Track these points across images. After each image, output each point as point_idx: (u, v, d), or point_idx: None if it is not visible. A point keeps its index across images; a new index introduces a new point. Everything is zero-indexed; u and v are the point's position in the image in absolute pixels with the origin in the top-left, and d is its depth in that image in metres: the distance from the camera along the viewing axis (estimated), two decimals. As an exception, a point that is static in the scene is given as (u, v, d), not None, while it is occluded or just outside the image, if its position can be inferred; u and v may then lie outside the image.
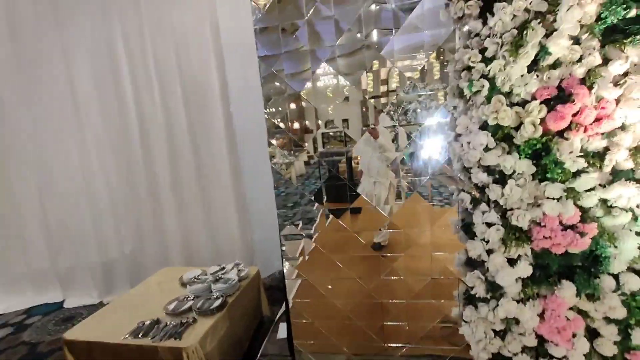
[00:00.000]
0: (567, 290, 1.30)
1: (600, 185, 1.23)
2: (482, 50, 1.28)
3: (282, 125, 1.82)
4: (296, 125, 1.82)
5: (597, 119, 1.17)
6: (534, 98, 1.25)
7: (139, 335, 1.96)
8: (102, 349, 1.96)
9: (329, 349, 1.93)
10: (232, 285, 2.37)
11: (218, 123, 3.21)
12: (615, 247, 1.24)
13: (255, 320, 2.59)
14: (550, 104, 1.21)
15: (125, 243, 3.43)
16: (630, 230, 1.24)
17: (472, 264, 1.65)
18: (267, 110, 1.72)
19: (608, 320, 1.32)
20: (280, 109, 1.75)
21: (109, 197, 3.37)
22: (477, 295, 1.45)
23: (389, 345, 1.86)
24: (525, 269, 1.32)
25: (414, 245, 1.76)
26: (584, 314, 1.34)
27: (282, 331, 2.22)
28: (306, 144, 1.82)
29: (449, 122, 1.57)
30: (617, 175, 1.21)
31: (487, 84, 1.24)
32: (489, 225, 1.36)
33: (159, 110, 3.22)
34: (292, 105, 1.75)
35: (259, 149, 3.12)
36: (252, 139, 3.15)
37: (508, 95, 1.26)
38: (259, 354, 2.10)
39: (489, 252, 1.38)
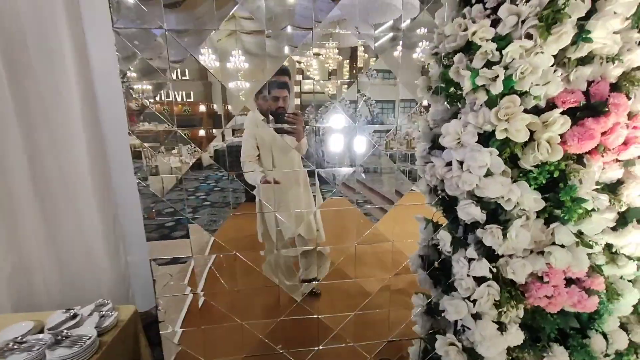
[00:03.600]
0: (560, 358, 1.00)
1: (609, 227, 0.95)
2: (492, 24, 0.84)
3: (160, 107, 1.08)
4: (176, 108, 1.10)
5: (624, 142, 0.87)
6: (551, 105, 0.87)
7: None
8: None
9: None
10: (86, 348, 1.54)
11: (71, 96, 2.13)
12: (613, 303, 1.00)
13: (128, 388, 1.80)
14: (574, 115, 0.85)
15: None
16: (627, 281, 1.01)
17: (433, 313, 1.28)
18: (125, 78, 0.96)
19: (590, 384, 1.09)
20: (151, 81, 1.00)
21: None
22: (449, 368, 1.06)
23: None
24: (516, 336, 0.98)
25: (365, 295, 1.27)
26: (564, 377, 1.09)
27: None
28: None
29: (421, 128, 1.12)
30: (629, 214, 0.94)
31: (502, 75, 0.80)
32: (477, 279, 0.96)
33: None
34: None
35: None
36: (122, 123, 2.19)
37: (522, 97, 0.85)
38: None
39: (475, 315, 0.99)
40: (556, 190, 0.88)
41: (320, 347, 1.27)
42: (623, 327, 1.07)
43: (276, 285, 1.17)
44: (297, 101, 1.32)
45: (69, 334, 1.62)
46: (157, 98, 1.04)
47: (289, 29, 1.12)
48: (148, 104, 1.01)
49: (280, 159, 1.19)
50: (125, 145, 2.22)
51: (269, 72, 1.10)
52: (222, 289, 1.16)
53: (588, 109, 0.84)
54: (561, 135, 0.86)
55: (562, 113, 0.85)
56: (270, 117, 1.17)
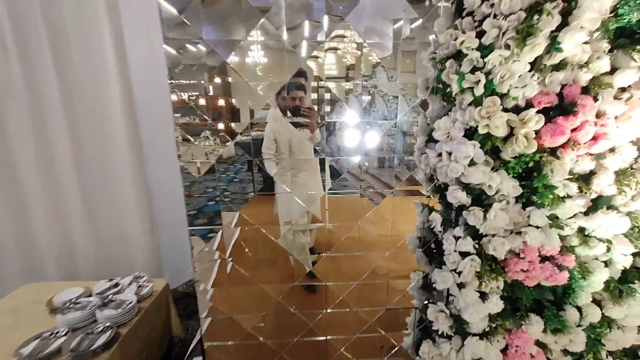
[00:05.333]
0: (535, 326, 1.16)
1: (581, 212, 1.08)
2: (478, 35, 0.99)
3: (200, 103, 1.28)
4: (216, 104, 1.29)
5: (594, 137, 1.00)
6: (528, 105, 1.01)
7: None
8: None
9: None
10: (128, 310, 1.79)
11: (111, 92, 2.39)
12: (585, 279, 1.13)
13: (161, 349, 2.06)
14: (548, 114, 0.99)
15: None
16: (599, 261, 1.14)
17: (428, 288, 1.44)
18: (173, 80, 1.16)
19: (565, 352, 1.23)
20: (192, 81, 1.20)
21: None
22: (439, 332, 1.23)
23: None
24: (496, 304, 1.14)
25: (366, 267, 1.46)
26: (542, 345, 1.24)
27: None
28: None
29: (420, 123, 1.27)
30: (599, 202, 1.07)
31: (483, 80, 0.95)
32: (462, 254, 1.12)
33: (14, 72, 2.24)
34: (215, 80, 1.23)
35: (167, 133, 2.45)
36: (156, 118, 2.45)
37: (503, 97, 1.00)
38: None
39: (460, 285, 1.15)
40: (532, 179, 1.03)
41: (328, 310, 1.48)
42: (597, 302, 1.20)
43: (290, 255, 1.38)
44: (314, 95, 1.46)
45: (114, 298, 1.87)
46: (196, 95, 1.25)
47: (307, 24, 1.27)
48: (188, 100, 1.22)
49: (296, 149, 1.37)
50: (160, 135, 2.48)
51: (286, 68, 1.28)
52: (245, 257, 1.38)
53: (560, 109, 0.97)
54: (537, 131, 1.00)
55: (538, 112, 0.99)
56: (288, 114, 1.35)
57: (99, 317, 1.75)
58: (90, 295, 1.92)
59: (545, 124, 0.99)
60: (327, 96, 1.38)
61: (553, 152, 1.03)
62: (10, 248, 2.51)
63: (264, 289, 1.41)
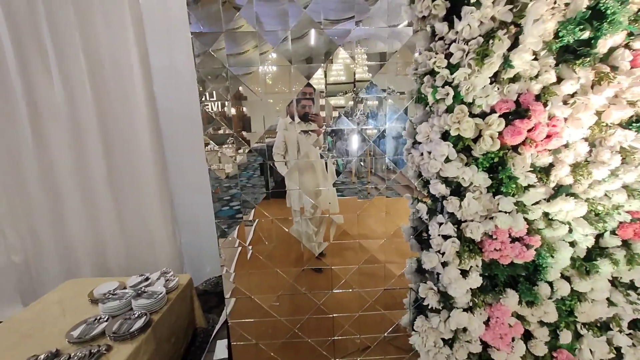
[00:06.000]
0: (511, 299, 1.35)
1: (544, 199, 1.28)
2: (447, 56, 1.21)
3: (223, 114, 1.54)
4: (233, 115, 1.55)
5: (548, 136, 1.20)
6: (492, 111, 1.23)
7: (31, 375, 1.55)
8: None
9: (273, 366, 1.78)
10: (159, 300, 2.04)
11: (138, 105, 2.71)
12: (553, 257, 1.32)
13: (187, 337, 2.29)
14: (508, 117, 1.20)
15: (13, 250, 2.75)
16: (565, 242, 1.33)
17: (422, 271, 1.64)
18: (204, 97, 1.43)
19: (542, 323, 1.41)
20: (217, 94, 1.47)
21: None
22: (429, 306, 1.43)
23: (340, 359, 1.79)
24: (476, 280, 1.33)
25: (366, 253, 1.68)
26: (521, 318, 1.42)
27: (220, 351, 1.99)
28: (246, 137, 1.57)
29: (407, 128, 1.50)
30: (559, 190, 1.27)
31: (451, 92, 1.18)
32: (445, 237, 1.33)
33: (55, 87, 2.59)
34: (235, 91, 1.49)
35: (187, 141, 2.76)
36: (178, 128, 2.76)
37: (470, 105, 1.22)
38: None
39: (444, 264, 1.35)
40: (499, 172, 1.24)
41: (333, 291, 1.69)
42: (567, 278, 1.38)
43: (300, 243, 1.62)
44: (322, 102, 1.68)
45: (146, 290, 2.12)
46: (218, 108, 1.52)
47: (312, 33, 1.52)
48: (212, 114, 1.49)
49: (303, 150, 1.61)
50: (181, 142, 2.78)
51: (295, 78, 1.54)
52: (262, 245, 1.63)
53: (517, 113, 1.19)
54: (500, 132, 1.21)
55: (500, 116, 1.20)
56: (297, 120, 1.60)
57: (134, 305, 2.00)
58: (124, 288, 2.18)
59: (506, 126, 1.20)
60: (332, 102, 1.61)
61: (515, 149, 1.24)
62: (51, 249, 2.82)
63: (278, 272, 1.65)
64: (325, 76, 1.60)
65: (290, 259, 1.67)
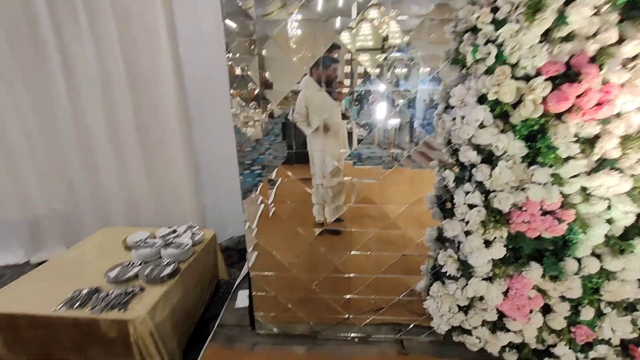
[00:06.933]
0: (534, 272, 1.32)
1: (584, 172, 1.20)
2: (493, 10, 1.11)
3: (250, 74, 1.51)
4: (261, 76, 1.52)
5: (598, 104, 1.10)
6: (538, 73, 1.13)
7: (75, 306, 1.72)
8: (29, 322, 1.70)
9: (291, 319, 1.88)
10: (186, 251, 2.17)
11: (164, 67, 2.73)
12: (585, 233, 1.26)
13: (210, 287, 2.45)
14: (555, 82, 1.11)
15: (54, 199, 3.00)
16: (601, 218, 1.26)
17: (442, 240, 1.63)
18: (229, 55, 1.40)
19: (563, 298, 1.39)
20: (244, 55, 1.44)
21: (28, 147, 2.86)
22: (447, 274, 1.43)
23: (353, 316, 1.87)
24: (499, 251, 1.30)
25: (386, 219, 1.68)
26: (541, 292, 1.40)
27: (241, 300, 2.12)
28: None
29: (440, 92, 1.42)
30: (603, 163, 1.18)
31: (494, 52, 1.09)
32: (470, 206, 1.29)
33: (87, 49, 2.65)
34: (262, 52, 1.44)
35: (211, 101, 2.78)
36: (203, 88, 2.78)
37: (513, 67, 1.12)
38: (216, 324, 1.99)
39: (467, 232, 1.33)
40: (535, 141, 1.16)
41: (351, 253, 1.74)
42: (598, 256, 1.33)
43: (322, 204, 1.65)
44: (348, 68, 1.62)
45: (174, 241, 2.25)
46: (244, 70, 1.50)
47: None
48: (241, 72, 1.47)
49: (327, 114, 1.58)
50: (206, 104, 2.82)
51: (320, 40, 1.47)
52: (284, 203, 1.67)
53: (566, 77, 1.09)
54: (544, 98, 1.12)
55: (546, 80, 1.10)
56: (322, 83, 1.55)
57: (163, 254, 2.14)
58: (154, 238, 2.32)
59: (552, 91, 1.10)
60: (359, 65, 1.54)
61: (559, 117, 1.15)
62: (88, 199, 3.03)
63: (299, 230, 1.70)
64: (353, 38, 1.51)
65: (311, 220, 1.70)
